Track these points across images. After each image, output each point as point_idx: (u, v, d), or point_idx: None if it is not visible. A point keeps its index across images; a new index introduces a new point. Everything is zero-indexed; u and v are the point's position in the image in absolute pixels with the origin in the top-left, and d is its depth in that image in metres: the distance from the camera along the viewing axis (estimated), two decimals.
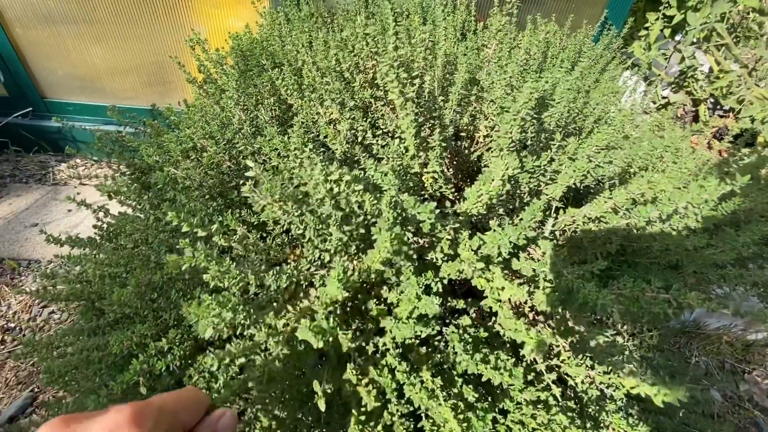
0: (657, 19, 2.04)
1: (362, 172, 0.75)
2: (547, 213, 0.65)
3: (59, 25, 2.11)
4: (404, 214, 0.57)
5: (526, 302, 0.65)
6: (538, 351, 0.45)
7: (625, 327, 0.90)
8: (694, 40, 2.02)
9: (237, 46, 1.29)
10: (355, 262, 0.69)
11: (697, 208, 0.65)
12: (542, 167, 0.71)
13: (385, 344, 0.65)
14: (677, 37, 2.14)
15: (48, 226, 2.02)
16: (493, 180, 0.65)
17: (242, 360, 0.52)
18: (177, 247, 0.62)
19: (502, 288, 0.50)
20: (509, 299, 0.56)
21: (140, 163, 0.98)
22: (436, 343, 0.73)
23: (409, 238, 0.58)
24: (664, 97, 2.18)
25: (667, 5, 2.00)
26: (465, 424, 0.56)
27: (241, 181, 0.64)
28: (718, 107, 2.07)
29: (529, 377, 0.73)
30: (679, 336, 1.57)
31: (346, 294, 0.51)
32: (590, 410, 0.72)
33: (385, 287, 0.76)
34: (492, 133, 0.91)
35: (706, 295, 0.81)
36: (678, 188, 0.65)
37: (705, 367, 1.56)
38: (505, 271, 0.54)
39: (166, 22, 2.07)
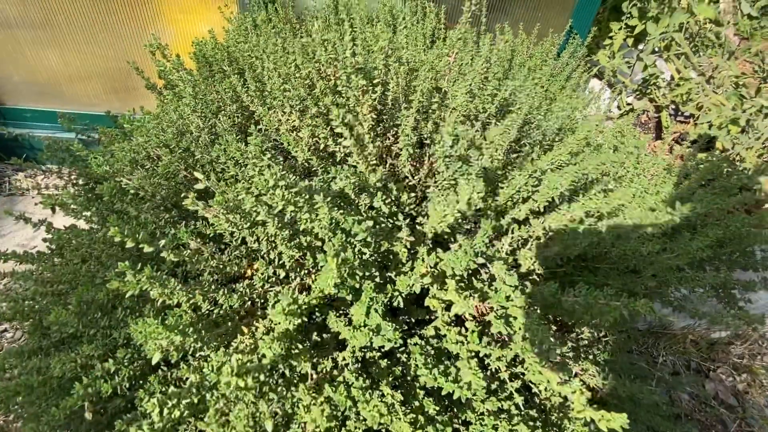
0: (620, 28, 2.11)
1: (322, 183, 0.73)
2: (506, 228, 0.64)
3: (15, 30, 2.02)
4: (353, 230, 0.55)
5: (484, 316, 0.65)
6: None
7: (588, 331, 0.91)
8: (655, 50, 2.10)
9: (200, 51, 1.26)
10: (312, 277, 0.67)
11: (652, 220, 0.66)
12: (510, 195, 0.71)
13: (344, 359, 0.63)
14: (640, 46, 2.22)
15: (2, 239, 1.91)
16: (458, 203, 0.63)
17: (188, 401, 0.49)
18: (115, 270, 0.58)
19: (452, 304, 0.49)
20: (468, 314, 0.55)
21: (92, 172, 0.93)
22: (399, 355, 0.71)
23: (365, 256, 0.57)
24: (628, 104, 2.25)
25: (629, 15, 2.07)
26: None
27: (191, 193, 0.61)
28: (679, 113, 2.15)
29: (493, 386, 0.73)
30: (647, 336, 1.61)
31: (298, 321, 0.49)
32: (553, 417, 0.72)
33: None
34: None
35: (661, 300, 0.82)
36: (635, 196, 0.66)
37: (672, 366, 1.60)
38: (461, 284, 0.53)
39: (130, 28, 2.00)
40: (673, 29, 1.84)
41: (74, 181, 1.00)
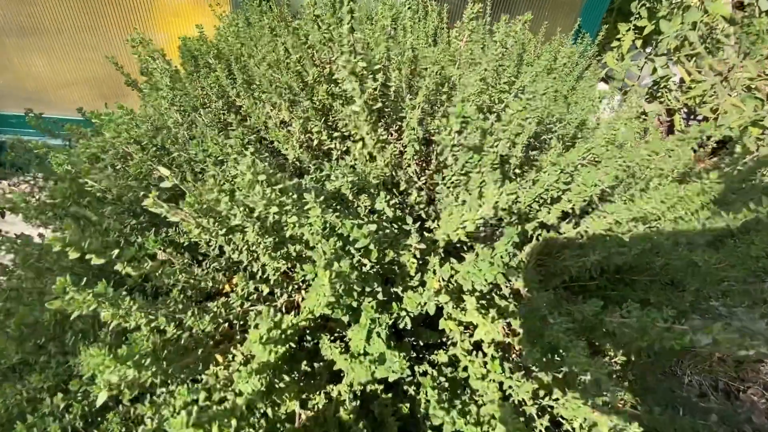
0: (628, 30, 2.04)
1: (314, 183, 0.63)
2: (531, 234, 0.54)
3: (2, 36, 1.95)
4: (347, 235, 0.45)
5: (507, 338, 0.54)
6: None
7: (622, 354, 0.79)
8: (666, 51, 2.02)
9: (185, 46, 1.17)
10: (303, 293, 0.56)
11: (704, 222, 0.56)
12: (539, 194, 0.60)
13: (340, 393, 0.52)
14: (648, 48, 2.14)
15: None
16: (480, 207, 0.53)
17: None
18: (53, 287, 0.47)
19: (475, 326, 0.38)
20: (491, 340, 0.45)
21: (58, 173, 0.83)
22: (405, 386, 0.60)
23: (365, 268, 0.46)
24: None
25: (637, 16, 2.00)
26: None
27: (152, 192, 0.51)
28: (692, 116, 2.06)
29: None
30: (671, 354, 1.49)
31: (282, 350, 0.38)
32: None
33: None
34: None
35: (702, 316, 0.70)
36: (700, 193, 0.55)
37: (698, 387, 1.48)
38: (482, 301, 0.42)
39: (122, 32, 1.93)
40: (687, 28, 1.76)
41: (38, 185, 0.90)
